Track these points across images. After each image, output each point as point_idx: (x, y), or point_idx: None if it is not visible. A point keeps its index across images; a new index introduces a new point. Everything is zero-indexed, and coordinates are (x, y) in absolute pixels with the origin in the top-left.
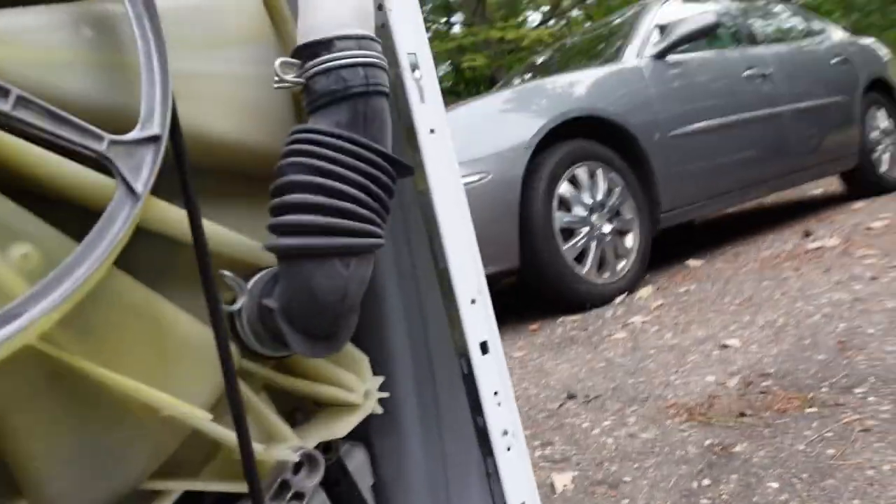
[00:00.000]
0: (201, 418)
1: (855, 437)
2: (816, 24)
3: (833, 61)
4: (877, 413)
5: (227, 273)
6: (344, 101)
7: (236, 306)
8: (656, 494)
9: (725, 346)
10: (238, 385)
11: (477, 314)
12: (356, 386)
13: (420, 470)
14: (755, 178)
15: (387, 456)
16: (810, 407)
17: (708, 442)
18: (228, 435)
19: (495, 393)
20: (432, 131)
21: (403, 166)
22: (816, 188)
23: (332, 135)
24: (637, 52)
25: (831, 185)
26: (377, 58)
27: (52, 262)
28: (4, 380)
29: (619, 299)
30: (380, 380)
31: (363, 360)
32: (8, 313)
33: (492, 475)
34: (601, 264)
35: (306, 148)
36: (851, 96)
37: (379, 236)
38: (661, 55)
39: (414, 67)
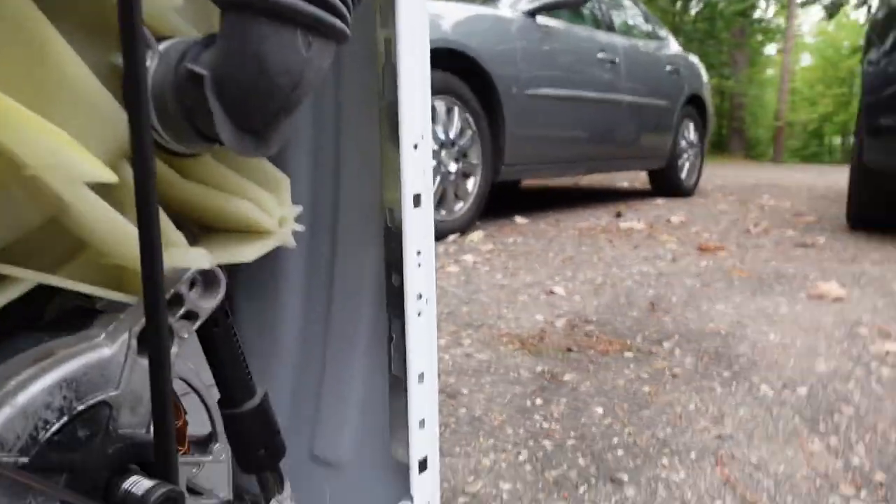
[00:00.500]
0: (107, 178)
1: (666, 380)
2: (662, 32)
3: (667, 68)
4: (682, 363)
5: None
6: None
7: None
8: (493, 407)
9: (552, 293)
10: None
11: (416, 162)
12: (272, 209)
13: (293, 328)
14: (583, 156)
15: (260, 303)
16: (628, 351)
17: (539, 369)
18: (119, 222)
19: (418, 252)
20: None
21: None
22: (623, 181)
23: None
24: (511, 5)
25: (636, 180)
26: None
27: None
28: None
29: (451, 237)
30: (299, 209)
31: (284, 182)
32: None
33: (395, 339)
34: (440, 202)
35: None
36: (674, 105)
37: (346, 28)
38: (532, 13)
39: None
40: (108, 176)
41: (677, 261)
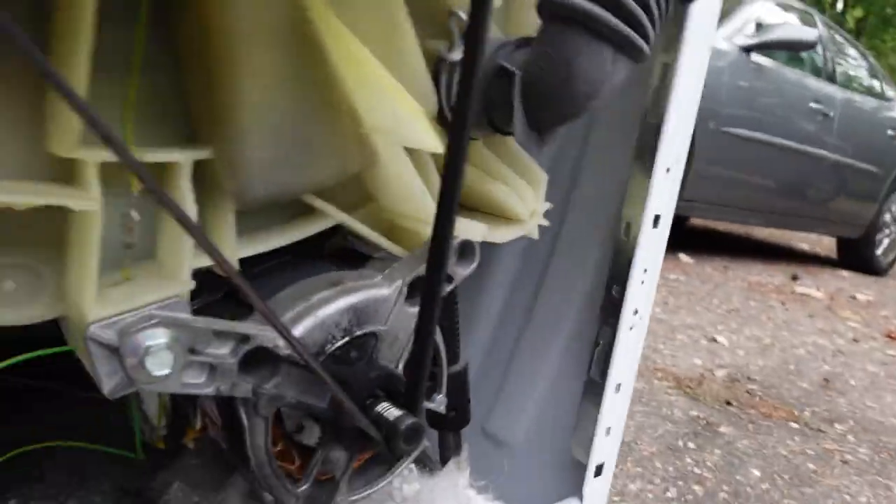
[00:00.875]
0: (433, 146)
1: (835, 464)
2: (890, 92)
3: (889, 133)
4: (856, 452)
5: (458, 13)
6: None
7: (456, 55)
8: (642, 437)
9: (714, 341)
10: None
11: (666, 185)
12: (528, 200)
13: (493, 310)
14: (766, 206)
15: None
16: (794, 422)
17: (694, 413)
18: (416, 185)
19: (645, 270)
20: None
21: None
22: (804, 242)
23: None
24: (727, 37)
25: (818, 244)
26: None
27: None
28: (258, 5)
29: None
30: (549, 206)
31: (542, 178)
32: None
33: (602, 346)
34: None
35: None
36: (887, 174)
37: (648, 51)
38: (748, 49)
39: None
40: (436, 146)
41: (859, 342)
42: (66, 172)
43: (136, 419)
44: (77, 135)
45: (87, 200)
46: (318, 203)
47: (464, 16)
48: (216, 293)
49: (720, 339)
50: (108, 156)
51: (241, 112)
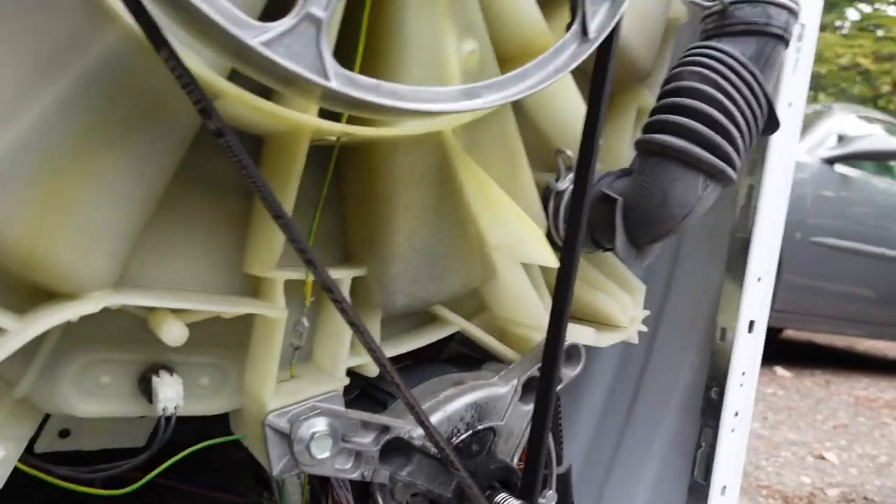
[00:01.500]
0: (549, 262)
1: None
2: None
3: None
4: None
5: (565, 151)
6: (757, 36)
7: (562, 185)
8: None
9: (822, 458)
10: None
11: (758, 293)
12: (627, 308)
13: (591, 417)
14: (866, 317)
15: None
16: None
17: None
18: (530, 296)
19: (743, 373)
20: (790, 105)
21: (775, 122)
22: None
23: (740, 62)
24: (809, 150)
25: None
26: (798, 9)
27: (483, 69)
28: (414, 155)
29: None
30: (647, 313)
31: (641, 288)
32: (469, 90)
33: (704, 448)
34: None
35: (713, 64)
36: None
37: (735, 177)
38: (831, 161)
39: (799, 37)
40: (552, 261)
41: None
42: (252, 288)
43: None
44: (274, 259)
45: (278, 311)
46: (445, 312)
47: (569, 153)
48: (353, 392)
49: (829, 456)
50: (292, 275)
51: (394, 237)
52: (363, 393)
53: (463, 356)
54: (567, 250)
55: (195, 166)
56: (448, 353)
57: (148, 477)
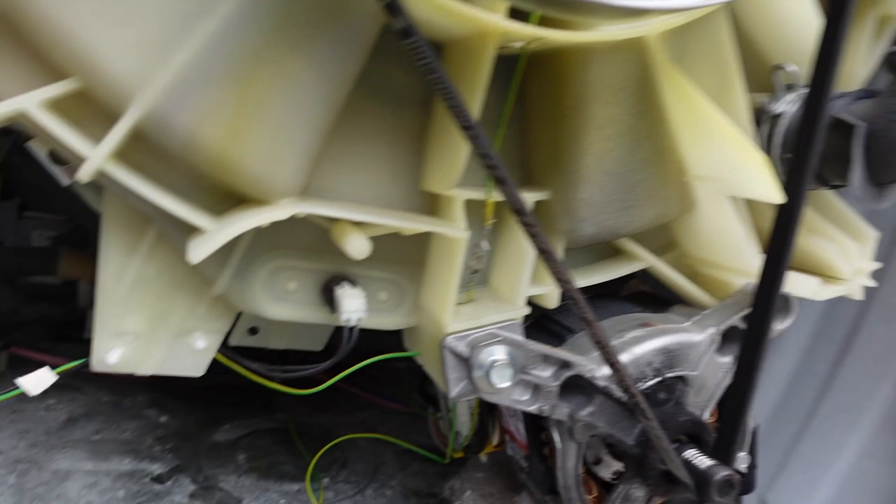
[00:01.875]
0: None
1: None
2: None
3: None
4: None
5: (784, 66)
6: None
7: (779, 107)
8: None
9: None
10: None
11: None
12: (852, 257)
13: (782, 381)
14: None
15: None
16: None
17: None
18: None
19: None
20: None
21: None
22: None
23: None
24: None
25: None
26: None
27: None
28: (612, 65)
29: None
30: (876, 265)
31: (871, 236)
32: None
33: None
34: None
35: None
36: None
37: None
38: None
39: None
40: (776, 196)
41: None
42: (429, 205)
43: (453, 429)
44: (456, 176)
45: (460, 231)
46: (632, 247)
47: (790, 69)
48: (527, 322)
49: None
50: (472, 194)
51: (583, 159)
52: (538, 324)
53: (644, 295)
54: (793, 184)
55: (374, 77)
56: (628, 291)
57: (331, 381)
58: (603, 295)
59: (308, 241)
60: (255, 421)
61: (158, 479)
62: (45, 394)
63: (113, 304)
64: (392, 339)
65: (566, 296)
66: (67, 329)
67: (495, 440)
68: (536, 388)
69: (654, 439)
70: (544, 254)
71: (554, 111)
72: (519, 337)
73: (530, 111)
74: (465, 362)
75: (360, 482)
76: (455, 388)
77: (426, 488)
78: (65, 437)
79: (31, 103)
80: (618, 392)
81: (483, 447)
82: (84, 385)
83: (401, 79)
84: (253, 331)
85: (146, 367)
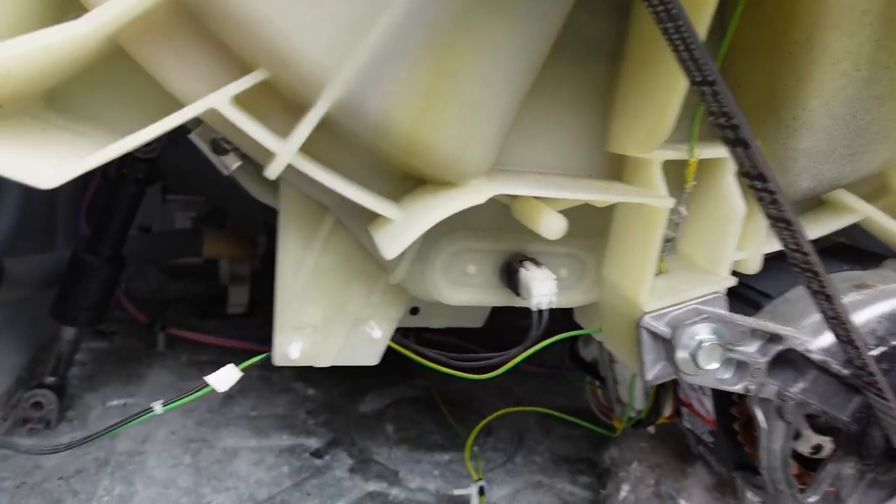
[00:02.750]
0: None
1: None
2: None
3: None
4: None
5: None
6: None
7: None
8: None
9: None
10: None
11: None
12: None
13: None
14: None
15: None
16: None
17: None
18: None
19: None
20: None
21: None
22: None
23: None
24: None
25: None
26: None
27: None
28: None
29: None
30: None
31: None
32: None
33: None
34: None
35: None
36: None
37: None
38: None
39: None
40: None
41: None
42: (615, 169)
43: (631, 401)
44: (662, 137)
45: (665, 199)
46: (843, 197)
47: None
48: None
49: None
50: (673, 155)
51: (809, 103)
52: (731, 292)
53: (845, 248)
54: None
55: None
56: (822, 245)
57: (512, 363)
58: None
59: (486, 220)
60: (396, 390)
61: (317, 454)
62: (202, 372)
63: (292, 298)
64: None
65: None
66: (210, 306)
67: (668, 412)
68: (741, 366)
69: (883, 417)
70: (781, 223)
71: (775, 47)
72: (725, 312)
73: (735, 50)
74: (665, 343)
75: (507, 449)
76: (651, 370)
77: (575, 454)
78: (226, 414)
79: (222, 100)
80: (836, 366)
81: (654, 419)
82: (236, 360)
83: (589, 26)
84: (414, 311)
85: (324, 358)
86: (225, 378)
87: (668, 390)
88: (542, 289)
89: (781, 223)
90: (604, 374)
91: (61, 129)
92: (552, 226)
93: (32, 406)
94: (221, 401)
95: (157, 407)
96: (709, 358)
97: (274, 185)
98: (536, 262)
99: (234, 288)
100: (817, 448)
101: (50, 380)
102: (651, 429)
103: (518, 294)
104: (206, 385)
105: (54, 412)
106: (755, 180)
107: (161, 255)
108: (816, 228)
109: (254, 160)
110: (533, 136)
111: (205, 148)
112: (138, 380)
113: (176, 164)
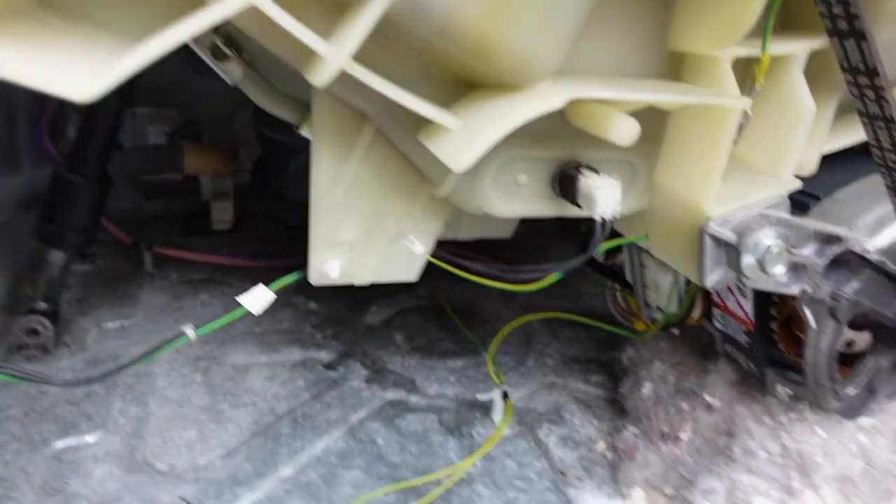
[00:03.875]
0: None
1: None
2: None
3: None
4: None
5: None
6: None
7: None
8: None
9: None
10: None
11: None
12: None
13: None
14: None
15: None
16: None
17: None
18: None
19: None
20: None
21: None
22: None
23: None
24: None
25: None
26: None
27: None
28: None
29: None
30: None
31: None
32: None
33: None
34: None
35: None
36: None
37: None
38: None
39: None
40: None
41: None
42: (674, 68)
43: (669, 305)
44: (742, 32)
45: (741, 99)
46: None
47: None
48: None
49: None
50: (744, 51)
51: None
52: None
53: None
54: None
55: None
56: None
57: (553, 276)
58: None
59: (538, 126)
60: (400, 300)
61: (330, 367)
62: (196, 290)
63: (328, 214)
64: None
65: None
66: (192, 222)
67: (697, 314)
68: (798, 268)
69: None
70: (882, 122)
71: None
72: (789, 216)
73: None
74: (727, 249)
75: (516, 353)
76: (711, 276)
77: (583, 354)
78: (229, 331)
79: None
80: (891, 266)
81: (685, 321)
82: (227, 278)
83: None
84: None
85: (362, 276)
86: (258, 299)
87: (699, 293)
88: (608, 198)
89: (881, 121)
90: (630, 280)
91: (66, 32)
92: (625, 131)
93: (28, 333)
94: None
95: (189, 332)
96: (775, 263)
97: (283, 95)
98: (594, 170)
99: (217, 204)
100: (850, 343)
101: (42, 305)
102: (676, 330)
103: (576, 203)
104: (240, 307)
105: (51, 338)
106: (862, 76)
107: (139, 171)
108: None
109: (257, 68)
110: (597, 34)
111: (205, 55)
112: (131, 301)
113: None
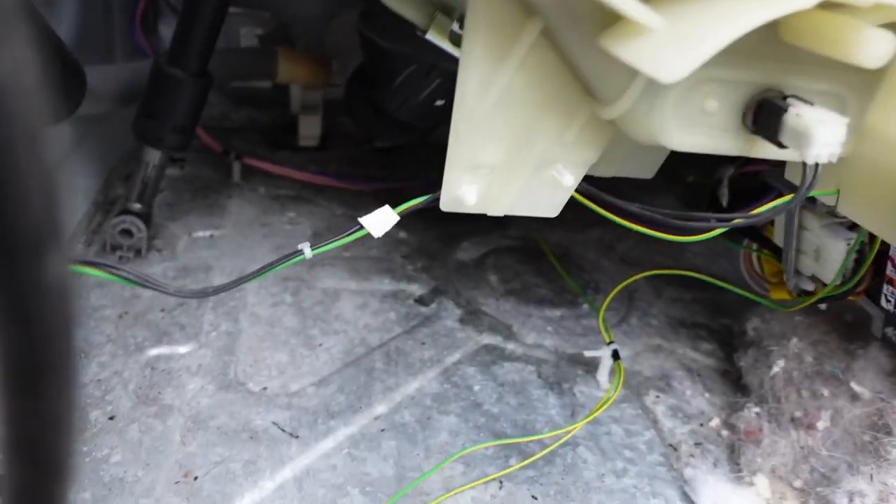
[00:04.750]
0: None
1: None
2: None
3: None
4: None
5: None
6: None
7: None
8: None
9: None
10: None
11: None
12: None
13: None
14: None
15: None
16: None
17: None
18: None
19: None
20: None
21: None
22: None
23: None
24: None
25: None
26: None
27: None
28: None
29: None
30: None
31: None
32: None
33: None
34: None
35: None
36: None
37: None
38: None
39: None
40: None
41: None
42: None
43: (838, 275)
44: None
45: None
46: None
47: None
48: None
49: None
50: None
51: None
52: None
53: None
54: None
55: None
56: None
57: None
58: None
59: (743, 40)
60: (491, 238)
61: (422, 301)
62: (283, 206)
63: (472, 128)
64: None
65: None
66: (280, 136)
67: (860, 288)
68: None
69: None
70: None
71: None
72: None
73: None
74: None
75: (619, 309)
76: None
77: (689, 318)
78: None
79: None
80: None
81: (847, 294)
82: (315, 197)
83: None
84: None
85: (499, 206)
86: (381, 221)
87: (868, 266)
88: (829, 136)
89: None
90: (780, 243)
91: None
92: (879, 46)
93: (121, 233)
94: (310, 238)
95: (307, 250)
96: None
97: None
98: (805, 101)
99: (305, 118)
100: None
101: (136, 206)
102: (823, 305)
103: (774, 141)
104: (360, 227)
105: (144, 240)
106: None
107: (231, 76)
108: None
109: None
110: None
111: None
112: (220, 211)
113: None
